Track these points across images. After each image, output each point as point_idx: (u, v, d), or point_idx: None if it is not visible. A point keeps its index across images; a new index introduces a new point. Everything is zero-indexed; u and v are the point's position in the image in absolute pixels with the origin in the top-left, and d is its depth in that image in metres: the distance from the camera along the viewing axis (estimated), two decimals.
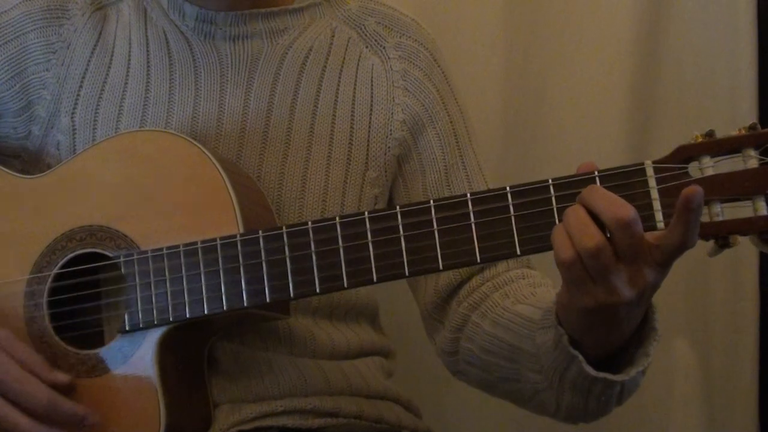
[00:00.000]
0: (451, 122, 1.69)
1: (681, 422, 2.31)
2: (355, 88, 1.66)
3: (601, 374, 1.35)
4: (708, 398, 2.31)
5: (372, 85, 1.67)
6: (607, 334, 1.34)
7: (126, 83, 1.64)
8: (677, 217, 1.23)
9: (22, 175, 1.57)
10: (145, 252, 1.45)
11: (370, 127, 1.65)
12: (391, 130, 1.65)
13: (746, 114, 2.17)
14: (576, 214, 1.26)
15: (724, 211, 1.26)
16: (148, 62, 1.64)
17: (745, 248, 2.23)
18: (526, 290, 1.58)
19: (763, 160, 1.24)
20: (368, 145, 1.65)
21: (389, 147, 1.65)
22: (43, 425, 1.41)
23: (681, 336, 2.30)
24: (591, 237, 1.24)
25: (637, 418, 2.30)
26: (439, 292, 1.64)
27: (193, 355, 1.52)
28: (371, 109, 1.66)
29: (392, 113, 1.66)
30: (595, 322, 1.31)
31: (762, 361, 2.28)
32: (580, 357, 1.35)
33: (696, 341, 2.31)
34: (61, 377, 1.44)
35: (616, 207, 1.24)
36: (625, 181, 1.28)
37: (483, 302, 1.59)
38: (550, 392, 1.42)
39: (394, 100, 1.66)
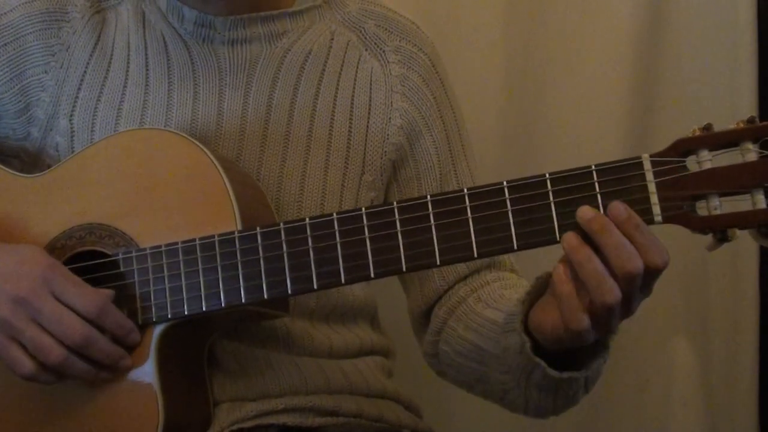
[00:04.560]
0: (445, 131, 1.69)
1: (681, 422, 2.31)
2: (353, 92, 1.66)
3: (566, 374, 1.38)
4: (708, 398, 2.31)
5: (371, 89, 1.66)
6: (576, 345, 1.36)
7: (125, 87, 1.64)
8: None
9: (22, 174, 1.57)
10: (144, 249, 1.45)
11: (367, 130, 1.65)
12: (388, 134, 1.65)
13: (746, 112, 2.15)
14: (595, 268, 1.27)
15: (722, 205, 1.26)
16: (146, 66, 1.64)
17: (745, 248, 2.26)
18: (497, 293, 1.60)
19: (762, 153, 1.24)
20: (365, 148, 1.65)
21: (386, 151, 1.66)
22: (77, 358, 1.41)
23: (681, 336, 2.31)
24: (612, 293, 1.26)
25: (637, 418, 2.30)
26: (427, 301, 1.67)
27: (192, 352, 1.52)
28: (369, 113, 1.66)
29: (390, 118, 1.66)
30: (569, 342, 1.34)
31: (762, 361, 2.28)
32: (544, 364, 1.37)
33: (696, 341, 2.31)
34: (107, 292, 1.45)
35: (628, 260, 1.26)
36: (622, 174, 1.28)
37: (458, 306, 1.61)
38: (518, 391, 1.45)
39: (392, 105, 1.66)
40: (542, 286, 1.39)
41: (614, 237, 1.27)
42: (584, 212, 1.29)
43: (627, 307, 1.29)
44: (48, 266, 1.43)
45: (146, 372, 1.44)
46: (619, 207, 1.27)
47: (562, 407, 1.45)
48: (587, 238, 1.28)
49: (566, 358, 1.39)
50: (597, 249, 1.27)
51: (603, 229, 1.27)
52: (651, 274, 1.27)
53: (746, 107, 2.19)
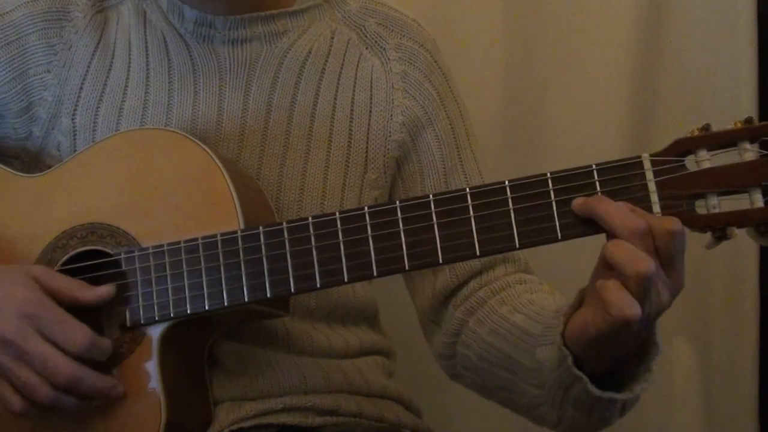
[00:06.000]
0: (450, 125, 1.69)
1: (681, 422, 2.30)
2: (354, 90, 1.66)
3: (607, 394, 1.34)
4: (708, 398, 2.31)
5: (371, 87, 1.67)
6: (614, 353, 1.33)
7: (126, 86, 1.64)
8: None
9: (23, 174, 1.58)
10: (146, 249, 1.46)
11: (369, 129, 1.65)
12: (390, 132, 1.66)
13: (746, 112, 2.14)
14: (619, 245, 1.26)
15: (721, 204, 1.27)
16: (147, 66, 1.65)
17: (746, 248, 2.26)
18: (523, 297, 1.57)
19: (760, 152, 1.25)
20: (367, 147, 1.65)
21: (388, 149, 1.66)
22: (81, 366, 1.41)
23: (681, 336, 2.30)
24: (644, 260, 1.24)
25: (637, 418, 2.29)
26: (437, 295, 1.65)
27: (193, 352, 1.52)
28: (370, 111, 1.66)
29: (391, 115, 1.66)
30: (606, 345, 1.31)
31: (762, 361, 2.28)
32: (586, 378, 1.34)
33: (696, 341, 2.31)
34: (106, 288, 1.45)
35: (629, 219, 1.25)
36: (622, 174, 1.29)
37: (480, 308, 1.59)
38: (551, 407, 1.42)
39: (393, 102, 1.66)
40: (582, 299, 1.36)
41: (610, 204, 1.27)
42: (576, 200, 1.30)
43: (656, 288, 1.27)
44: (33, 302, 1.42)
45: (148, 371, 1.44)
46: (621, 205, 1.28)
47: (595, 427, 1.41)
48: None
49: (605, 379, 1.36)
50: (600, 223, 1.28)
51: (598, 201, 1.28)
52: (670, 242, 1.26)
53: (746, 107, 2.19)
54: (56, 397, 1.40)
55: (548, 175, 1.31)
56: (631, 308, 1.25)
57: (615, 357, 1.34)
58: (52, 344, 1.40)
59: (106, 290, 1.45)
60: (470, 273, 1.63)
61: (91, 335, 1.41)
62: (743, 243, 2.18)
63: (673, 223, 1.26)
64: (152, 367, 1.44)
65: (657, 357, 1.36)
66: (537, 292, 1.59)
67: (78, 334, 1.41)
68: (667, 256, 1.27)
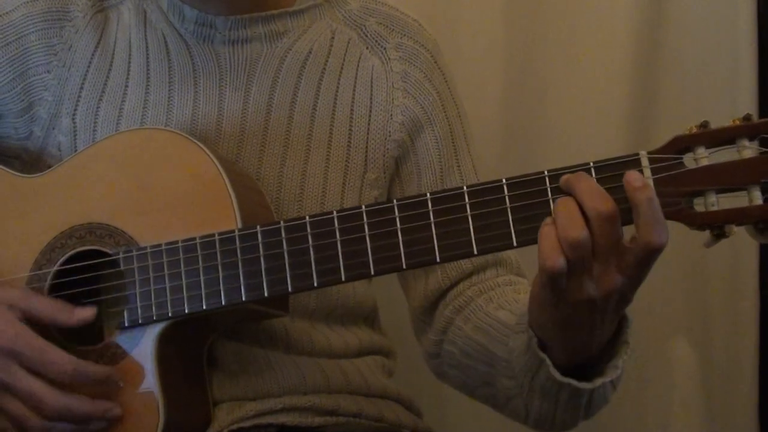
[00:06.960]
0: (449, 125, 1.68)
1: (681, 422, 2.31)
2: (354, 90, 1.66)
3: (566, 380, 1.35)
4: (708, 398, 2.31)
5: (371, 86, 1.66)
6: (573, 335, 1.33)
7: (126, 86, 1.64)
8: (633, 212, 1.24)
9: (22, 174, 1.58)
10: (144, 248, 1.46)
11: (368, 128, 1.65)
12: (390, 131, 1.65)
13: (746, 111, 2.17)
14: (566, 205, 1.26)
15: (719, 201, 1.26)
16: (147, 65, 1.65)
17: (745, 248, 2.26)
18: (510, 296, 1.58)
19: (759, 150, 1.24)
20: (367, 146, 1.65)
21: (388, 149, 1.65)
22: (69, 395, 1.41)
23: (681, 336, 2.30)
24: (576, 228, 1.24)
25: (637, 418, 2.30)
26: (428, 297, 1.65)
27: (192, 352, 1.52)
28: (370, 111, 1.65)
29: (391, 115, 1.65)
30: (559, 320, 1.31)
31: (762, 361, 2.28)
32: (548, 360, 1.35)
33: (696, 341, 2.31)
34: (87, 311, 1.45)
35: (598, 200, 1.25)
36: (620, 171, 1.28)
37: (467, 306, 1.60)
38: (521, 398, 1.42)
39: (393, 102, 1.66)
40: None
41: (587, 181, 1.27)
42: (564, 177, 1.29)
43: (604, 270, 1.26)
44: (11, 337, 1.41)
45: (147, 370, 1.44)
46: (635, 174, 1.26)
47: (562, 423, 1.42)
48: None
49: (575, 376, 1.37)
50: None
51: (577, 178, 1.28)
52: (646, 252, 1.25)
53: (746, 107, 2.19)
54: (48, 426, 1.41)
55: (545, 173, 1.31)
56: (554, 260, 1.25)
57: (579, 346, 1.35)
58: (36, 376, 1.41)
59: (86, 313, 1.45)
60: (461, 275, 1.63)
61: (74, 363, 1.41)
62: (743, 242, 2.18)
63: (658, 238, 1.24)
64: (150, 367, 1.44)
65: (626, 355, 1.36)
66: (525, 292, 1.58)
67: (60, 363, 1.41)
68: (643, 259, 1.27)
